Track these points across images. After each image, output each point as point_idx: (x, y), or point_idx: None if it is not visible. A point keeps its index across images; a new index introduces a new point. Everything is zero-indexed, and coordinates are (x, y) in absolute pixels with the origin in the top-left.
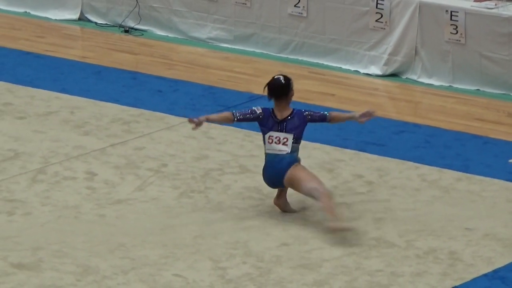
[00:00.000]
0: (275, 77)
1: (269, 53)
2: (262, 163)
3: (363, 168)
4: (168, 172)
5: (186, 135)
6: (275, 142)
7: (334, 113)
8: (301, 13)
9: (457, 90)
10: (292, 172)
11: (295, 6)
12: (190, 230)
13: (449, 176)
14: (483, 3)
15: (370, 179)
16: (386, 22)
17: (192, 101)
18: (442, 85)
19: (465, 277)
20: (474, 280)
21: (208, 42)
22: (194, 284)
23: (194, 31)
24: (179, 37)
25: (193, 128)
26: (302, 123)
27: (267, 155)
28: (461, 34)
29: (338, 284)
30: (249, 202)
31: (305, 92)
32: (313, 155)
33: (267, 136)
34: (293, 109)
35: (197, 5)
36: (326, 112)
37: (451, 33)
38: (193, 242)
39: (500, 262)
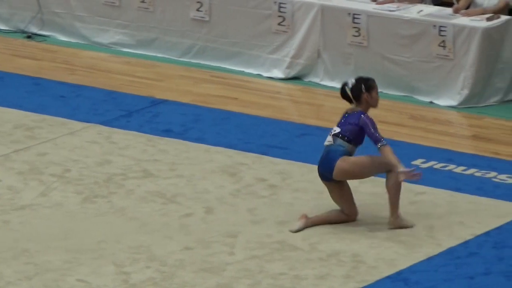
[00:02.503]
0: (346, 81)
1: (171, 57)
2: (164, 167)
3: (266, 171)
4: (72, 177)
5: (89, 140)
6: (329, 133)
7: (387, 149)
8: (204, 17)
9: None
10: (340, 166)
11: (197, 10)
12: (94, 235)
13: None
14: (385, 6)
15: (273, 182)
16: (288, 25)
17: (94, 106)
18: None
19: (368, 279)
20: (377, 282)
21: (111, 47)
22: (93, 285)
23: (97, 36)
24: (82, 42)
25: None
26: (355, 123)
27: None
28: (363, 36)
29: (241, 287)
30: (152, 207)
31: (206, 96)
32: (216, 159)
33: None
34: (359, 111)
35: (100, 10)
36: (382, 141)
37: (353, 35)
38: (97, 247)
39: (403, 264)
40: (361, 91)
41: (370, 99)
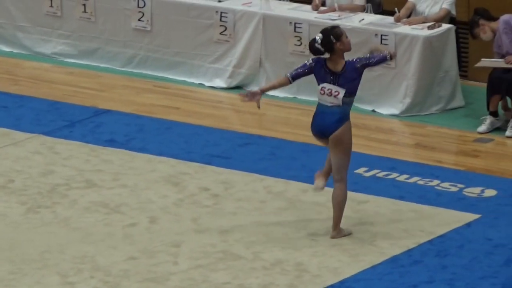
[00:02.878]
0: (314, 37)
1: (114, 67)
2: (108, 177)
3: (209, 181)
4: (15, 187)
5: (32, 151)
6: (327, 94)
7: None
8: (145, 27)
9: (301, 101)
10: (342, 134)
11: (139, 20)
12: (38, 245)
13: (294, 187)
14: (327, 15)
15: (216, 192)
16: (230, 34)
17: (37, 116)
18: (286, 97)
19: (310, 287)
20: None
21: (53, 57)
22: None
23: (39, 47)
24: (24, 52)
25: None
26: (356, 76)
27: (318, 104)
28: (305, 45)
29: None
30: (96, 216)
31: (149, 106)
32: (159, 168)
33: (319, 87)
34: (346, 62)
35: (41, 20)
36: (385, 53)
37: (295, 44)
38: (41, 257)
39: (347, 273)
40: (332, 42)
41: (342, 46)
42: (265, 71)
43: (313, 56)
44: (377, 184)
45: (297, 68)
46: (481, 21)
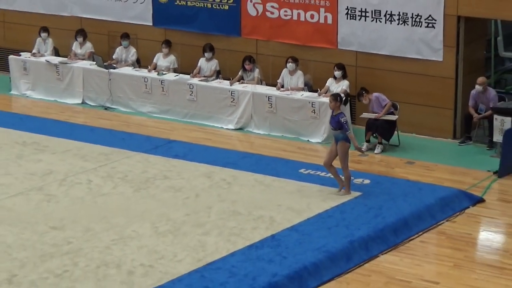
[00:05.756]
0: (342, 95)
1: (178, 119)
2: (175, 174)
3: (226, 175)
4: (128, 179)
5: (136, 161)
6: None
7: (351, 135)
8: (194, 98)
9: (273, 136)
10: (338, 147)
11: (190, 95)
12: (139, 208)
13: (268, 179)
14: (284, 92)
15: (229, 181)
16: (236, 102)
17: (138, 143)
18: (265, 133)
19: (277, 229)
20: (282, 231)
21: (147, 114)
22: (140, 233)
23: (141, 108)
24: (133, 111)
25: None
26: (336, 121)
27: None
28: (274, 108)
29: (214, 234)
30: (168, 194)
31: (195, 138)
32: (200, 169)
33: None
34: (339, 112)
35: (141, 94)
36: (348, 131)
37: (268, 107)
38: (141, 215)
39: (295, 221)
40: (337, 102)
41: (337, 107)
42: (254, 120)
43: (344, 111)
44: (310, 177)
45: (347, 124)
46: (365, 93)
